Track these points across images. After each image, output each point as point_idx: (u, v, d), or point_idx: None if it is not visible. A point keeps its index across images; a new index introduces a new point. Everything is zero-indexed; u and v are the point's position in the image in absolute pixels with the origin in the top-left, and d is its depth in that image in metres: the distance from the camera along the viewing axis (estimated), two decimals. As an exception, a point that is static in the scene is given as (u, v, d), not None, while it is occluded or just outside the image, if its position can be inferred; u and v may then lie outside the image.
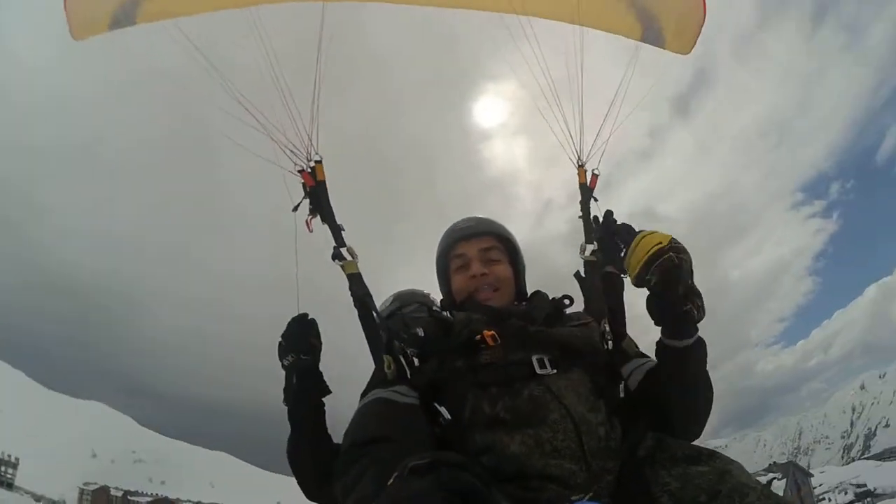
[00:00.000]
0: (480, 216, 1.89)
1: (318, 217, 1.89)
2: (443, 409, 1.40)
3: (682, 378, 1.47)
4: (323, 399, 1.91)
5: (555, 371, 1.41)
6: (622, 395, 1.53)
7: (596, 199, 2.10)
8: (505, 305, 1.69)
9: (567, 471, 1.25)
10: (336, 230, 1.87)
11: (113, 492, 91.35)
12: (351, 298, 1.83)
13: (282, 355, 1.89)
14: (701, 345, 1.46)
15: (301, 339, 1.88)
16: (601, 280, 1.81)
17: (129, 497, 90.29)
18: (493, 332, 1.46)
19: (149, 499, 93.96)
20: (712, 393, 1.52)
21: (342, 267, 1.83)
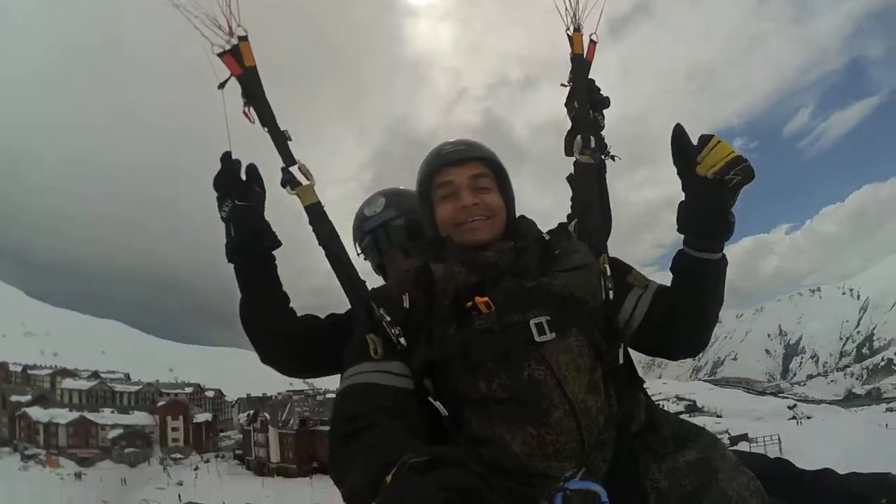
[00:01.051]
0: (469, 139, 1.64)
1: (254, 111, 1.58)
2: (438, 405, 1.31)
3: (713, 292, 1.45)
4: (272, 252, 1.68)
5: (554, 335, 1.30)
6: (621, 360, 1.41)
7: (603, 98, 1.84)
8: (493, 237, 1.51)
9: (567, 470, 1.22)
10: (281, 140, 1.58)
11: (12, 367, 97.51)
12: (315, 237, 1.59)
13: (219, 206, 1.64)
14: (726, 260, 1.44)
15: (234, 182, 1.61)
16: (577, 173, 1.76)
17: (28, 371, 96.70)
18: (485, 298, 1.33)
19: (48, 371, 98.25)
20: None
21: (297, 195, 1.59)
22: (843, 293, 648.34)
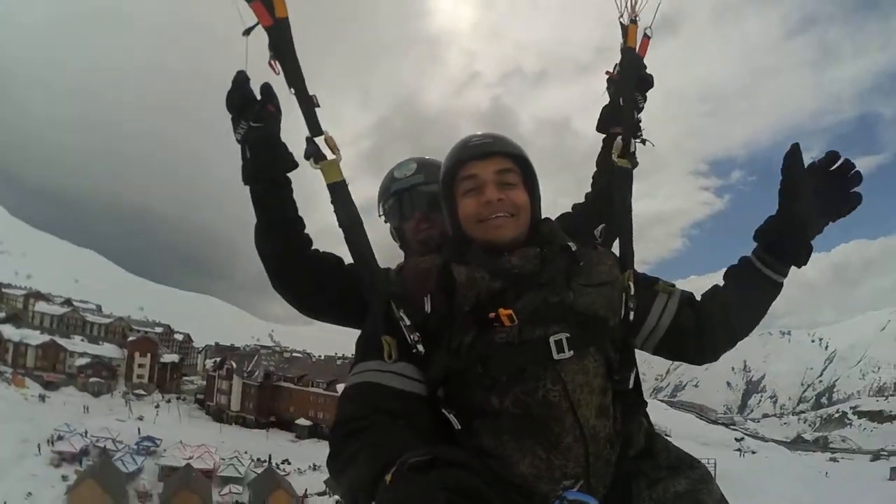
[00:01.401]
0: (496, 133, 1.55)
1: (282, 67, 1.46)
2: (452, 417, 1.29)
3: (758, 311, 1.49)
4: (287, 175, 1.58)
5: (572, 353, 1.28)
6: (632, 384, 1.39)
7: (647, 77, 1.75)
8: (517, 236, 1.45)
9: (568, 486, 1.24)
10: (308, 105, 1.47)
11: None
12: (335, 217, 1.49)
13: (234, 127, 1.54)
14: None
15: (248, 102, 1.51)
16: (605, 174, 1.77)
17: (2, 289, 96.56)
18: (509, 311, 1.29)
19: (22, 291, 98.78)
20: None
21: (321, 170, 1.48)
22: (813, 341, 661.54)
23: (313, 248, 1.66)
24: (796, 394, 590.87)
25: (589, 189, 2.10)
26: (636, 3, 1.70)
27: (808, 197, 1.42)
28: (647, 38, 1.74)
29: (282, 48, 1.45)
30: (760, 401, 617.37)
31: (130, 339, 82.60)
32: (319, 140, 1.47)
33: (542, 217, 1.58)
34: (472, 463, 1.06)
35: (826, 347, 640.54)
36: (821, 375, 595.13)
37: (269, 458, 58.42)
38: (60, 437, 52.71)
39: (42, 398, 66.07)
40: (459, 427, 1.30)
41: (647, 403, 1.48)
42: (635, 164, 1.66)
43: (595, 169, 2.07)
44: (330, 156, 1.48)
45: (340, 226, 1.50)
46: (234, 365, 73.22)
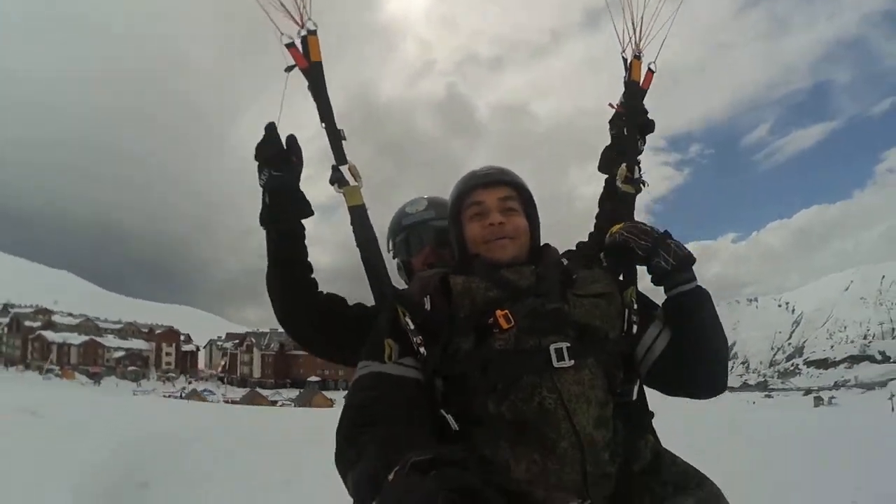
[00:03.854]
0: (500, 166, 1.72)
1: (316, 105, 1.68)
2: (450, 418, 1.33)
3: (710, 326, 1.50)
4: (301, 221, 1.73)
5: (572, 363, 1.32)
6: (635, 396, 1.44)
7: (649, 122, 1.93)
8: (516, 256, 1.58)
9: (569, 501, 1.25)
10: (336, 138, 1.69)
11: None
12: (353, 237, 1.68)
13: (258, 174, 1.71)
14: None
15: (273, 152, 1.68)
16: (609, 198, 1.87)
17: (8, 308, 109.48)
18: (505, 311, 1.36)
19: (30, 309, 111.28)
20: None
21: (343, 194, 1.69)
22: (780, 305, 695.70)
23: (316, 286, 1.77)
24: (767, 358, 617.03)
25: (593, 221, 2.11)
26: (640, 40, 1.89)
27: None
28: (651, 72, 1.93)
29: (315, 89, 1.68)
30: (733, 367, 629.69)
31: (157, 332, 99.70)
32: (344, 168, 1.68)
33: (543, 244, 1.70)
34: (472, 463, 1.09)
35: (793, 311, 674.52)
36: (789, 338, 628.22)
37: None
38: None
39: (96, 383, 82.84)
40: (457, 428, 1.33)
41: (653, 415, 1.53)
42: (639, 190, 1.87)
43: (598, 209, 2.05)
44: (353, 182, 1.68)
45: (358, 244, 1.69)
46: (254, 341, 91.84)
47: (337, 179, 1.67)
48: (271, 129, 1.69)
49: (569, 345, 1.35)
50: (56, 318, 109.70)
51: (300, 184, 1.74)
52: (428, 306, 1.45)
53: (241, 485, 7.49)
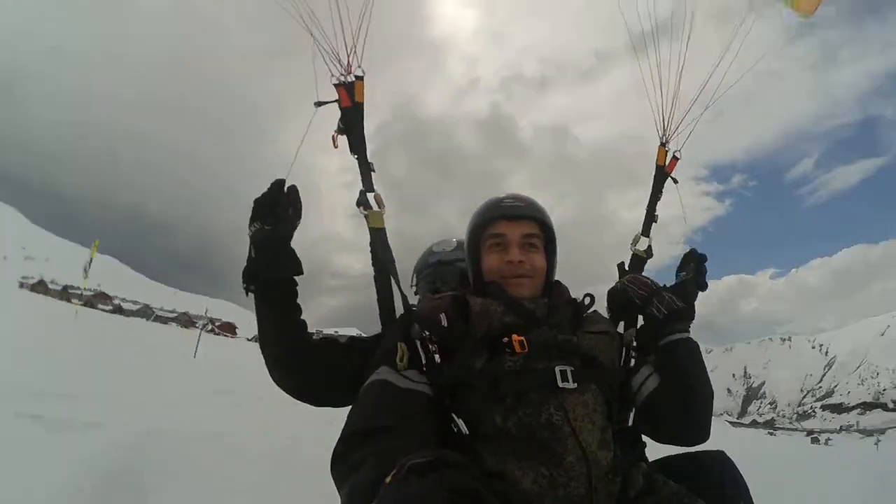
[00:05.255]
0: (527, 196, 1.74)
1: (347, 140, 1.79)
2: (460, 422, 1.36)
3: (694, 372, 1.56)
4: (288, 279, 1.69)
5: (575, 385, 1.39)
6: (630, 422, 1.55)
7: (676, 181, 2.12)
8: (532, 295, 1.62)
9: None
10: (366, 170, 1.78)
11: (50, 286, 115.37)
12: (371, 257, 1.76)
13: (249, 226, 1.69)
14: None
15: (269, 206, 1.67)
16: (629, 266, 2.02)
17: (68, 290, 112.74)
18: (521, 338, 1.42)
19: (90, 293, 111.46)
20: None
21: (366, 217, 1.76)
22: (813, 347, 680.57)
23: (309, 345, 1.72)
24: (795, 400, 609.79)
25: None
26: (668, 130, 2.08)
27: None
28: (675, 159, 2.13)
29: (353, 125, 1.80)
30: (760, 407, 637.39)
31: (217, 323, 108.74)
32: (370, 195, 1.80)
33: (555, 281, 1.75)
34: (471, 465, 1.12)
35: (826, 353, 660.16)
36: (820, 381, 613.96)
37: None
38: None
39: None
40: (466, 432, 1.36)
41: (645, 445, 1.61)
42: (650, 255, 2.06)
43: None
44: (376, 208, 1.79)
45: (374, 263, 1.78)
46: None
47: (362, 202, 1.78)
48: (276, 184, 1.70)
49: (573, 368, 1.43)
50: (117, 303, 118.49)
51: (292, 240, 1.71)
52: (445, 323, 1.48)
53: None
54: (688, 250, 1.84)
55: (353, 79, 1.82)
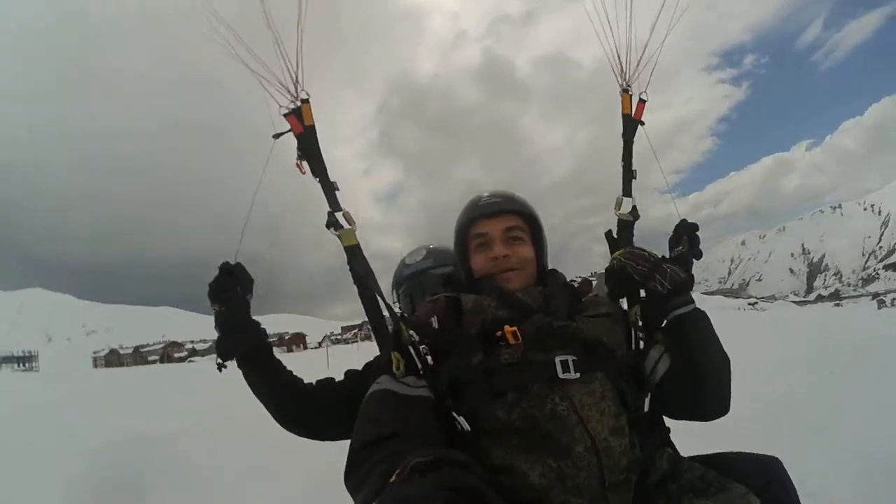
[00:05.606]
0: (506, 192, 1.74)
1: (308, 165, 1.77)
2: (461, 419, 1.34)
3: (707, 344, 1.49)
4: (257, 347, 1.75)
5: (578, 375, 1.34)
6: (647, 408, 1.45)
7: (642, 123, 1.97)
8: (524, 286, 1.61)
9: None
10: (329, 189, 1.77)
11: (122, 351, 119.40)
12: (350, 275, 1.75)
13: (211, 306, 1.76)
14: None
15: (219, 289, 1.74)
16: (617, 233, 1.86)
17: (139, 350, 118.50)
18: (514, 328, 1.39)
19: (160, 345, 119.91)
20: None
21: (339, 237, 1.75)
22: (865, 209, 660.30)
23: (300, 397, 1.77)
24: (859, 265, 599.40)
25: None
26: (627, 74, 1.92)
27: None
28: (642, 102, 1.97)
29: (309, 150, 1.77)
30: (825, 280, 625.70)
31: (286, 337, 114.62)
32: (339, 214, 1.75)
33: (550, 269, 1.73)
34: (473, 464, 1.10)
35: (879, 213, 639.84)
36: (880, 242, 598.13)
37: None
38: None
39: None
40: (469, 430, 1.33)
41: (669, 429, 1.55)
42: (637, 218, 1.90)
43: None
44: (347, 226, 1.75)
45: (355, 280, 1.76)
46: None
47: (332, 223, 1.75)
48: (223, 267, 1.74)
49: (574, 358, 1.38)
50: (189, 347, 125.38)
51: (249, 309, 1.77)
52: (436, 325, 1.48)
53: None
54: (678, 222, 1.72)
55: (300, 103, 1.79)
